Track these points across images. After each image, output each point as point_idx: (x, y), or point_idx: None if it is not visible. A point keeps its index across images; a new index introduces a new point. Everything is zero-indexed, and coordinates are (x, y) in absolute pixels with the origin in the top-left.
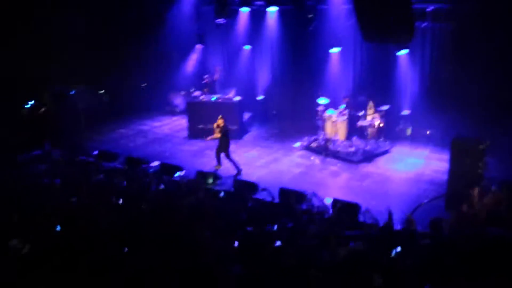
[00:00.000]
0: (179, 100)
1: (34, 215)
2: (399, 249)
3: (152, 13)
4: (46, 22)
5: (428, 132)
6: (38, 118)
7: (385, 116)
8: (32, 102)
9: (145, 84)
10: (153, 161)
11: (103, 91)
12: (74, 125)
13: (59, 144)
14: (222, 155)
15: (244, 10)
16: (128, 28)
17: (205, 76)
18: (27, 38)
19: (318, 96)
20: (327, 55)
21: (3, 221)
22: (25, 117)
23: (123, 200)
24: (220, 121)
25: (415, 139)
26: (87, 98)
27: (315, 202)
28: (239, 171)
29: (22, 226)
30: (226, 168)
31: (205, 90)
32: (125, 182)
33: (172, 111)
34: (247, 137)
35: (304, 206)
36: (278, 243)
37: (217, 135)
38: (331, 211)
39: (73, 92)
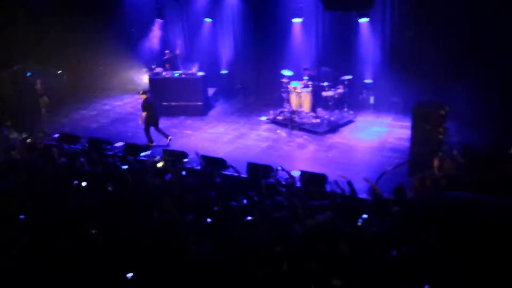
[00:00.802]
0: (139, 77)
1: None
2: (365, 216)
3: None
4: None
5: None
6: None
7: (348, 86)
8: None
9: (102, 67)
10: (116, 142)
11: (60, 71)
12: (32, 107)
13: (18, 127)
14: (152, 129)
15: None
16: (86, 5)
17: (166, 52)
18: None
19: (282, 68)
20: (289, 26)
21: None
22: None
23: (88, 183)
24: (142, 97)
25: (378, 108)
26: (45, 79)
27: (282, 175)
28: (168, 140)
29: None
30: (193, 145)
31: (167, 66)
32: (87, 165)
33: (134, 89)
34: (212, 112)
35: (272, 180)
36: (249, 218)
37: (143, 113)
38: (298, 183)
39: (29, 73)
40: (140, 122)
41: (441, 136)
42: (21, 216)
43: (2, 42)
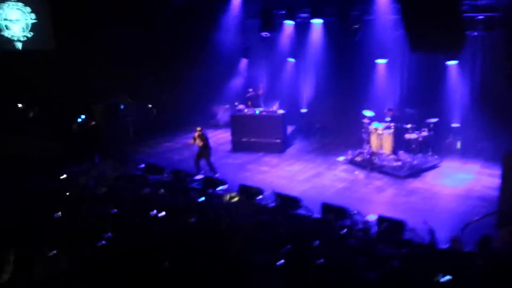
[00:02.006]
0: (222, 113)
1: (78, 227)
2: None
3: (199, 29)
4: (99, 39)
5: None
6: (89, 131)
7: (433, 129)
8: (83, 116)
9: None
10: (198, 175)
11: (151, 105)
12: (123, 138)
13: (108, 157)
14: (203, 160)
15: (289, 23)
16: (176, 43)
17: (250, 90)
18: (80, 54)
19: (363, 109)
20: (373, 66)
21: (45, 231)
22: (76, 131)
23: (168, 213)
24: (198, 129)
25: (465, 153)
26: (136, 112)
27: (358, 218)
28: (215, 173)
29: (63, 238)
30: (269, 182)
31: (249, 103)
32: (168, 196)
33: (216, 124)
34: (290, 150)
35: (347, 223)
36: (321, 260)
37: (200, 142)
38: (374, 228)
39: (122, 106)
40: (190, 143)
41: None
42: (102, 242)
43: (99, 77)
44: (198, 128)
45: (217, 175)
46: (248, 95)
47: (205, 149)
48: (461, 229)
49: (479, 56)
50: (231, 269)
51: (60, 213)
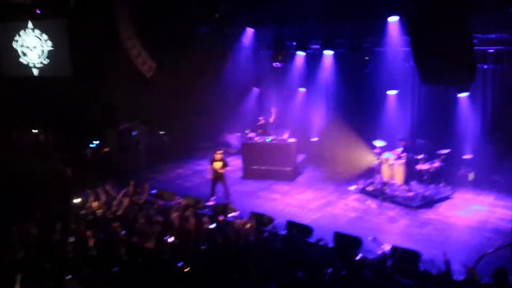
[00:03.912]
0: (234, 141)
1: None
2: None
3: (213, 58)
4: (111, 65)
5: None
6: (101, 157)
7: (445, 160)
8: (97, 142)
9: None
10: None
11: (163, 131)
12: (135, 164)
13: (121, 183)
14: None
15: (300, 54)
16: (189, 71)
17: (260, 118)
18: (95, 82)
19: (373, 139)
20: (383, 97)
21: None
22: (89, 156)
23: (177, 240)
24: (220, 155)
25: (478, 185)
26: (148, 139)
27: (373, 247)
28: (229, 199)
29: (79, 262)
30: (280, 210)
31: (260, 131)
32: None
33: (227, 152)
34: (301, 178)
35: (361, 253)
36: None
37: (222, 170)
38: (389, 259)
39: (135, 133)
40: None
41: None
42: (115, 268)
43: (113, 103)
44: (220, 151)
45: (230, 202)
46: (258, 123)
47: (223, 174)
48: (476, 261)
49: (490, 89)
50: None
51: (73, 238)
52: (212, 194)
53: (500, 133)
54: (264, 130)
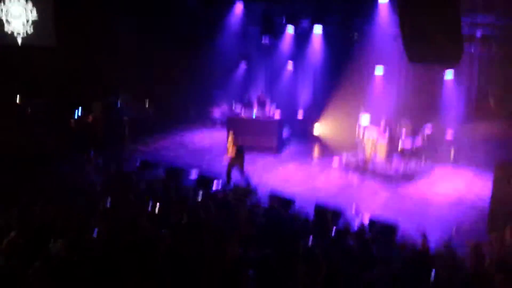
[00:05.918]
0: (219, 114)
1: (76, 218)
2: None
3: (201, 31)
4: (97, 36)
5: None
6: (85, 127)
7: (427, 137)
8: (80, 111)
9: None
10: (191, 172)
11: (148, 103)
12: (118, 135)
13: (102, 153)
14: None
15: (290, 31)
16: (177, 43)
17: (247, 95)
18: (80, 52)
19: (358, 115)
20: (370, 74)
21: (45, 222)
22: (72, 125)
23: (162, 211)
24: (232, 137)
25: (459, 162)
26: (133, 109)
27: (353, 219)
28: (249, 183)
29: (64, 229)
30: (262, 183)
31: (246, 105)
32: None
33: (212, 123)
34: (285, 152)
35: (341, 224)
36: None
37: (233, 153)
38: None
39: (119, 103)
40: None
41: None
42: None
43: (98, 74)
44: (231, 132)
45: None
46: (245, 98)
47: (240, 156)
48: (452, 234)
49: (476, 67)
50: (226, 267)
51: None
52: (228, 181)
53: (482, 112)
54: (250, 104)
